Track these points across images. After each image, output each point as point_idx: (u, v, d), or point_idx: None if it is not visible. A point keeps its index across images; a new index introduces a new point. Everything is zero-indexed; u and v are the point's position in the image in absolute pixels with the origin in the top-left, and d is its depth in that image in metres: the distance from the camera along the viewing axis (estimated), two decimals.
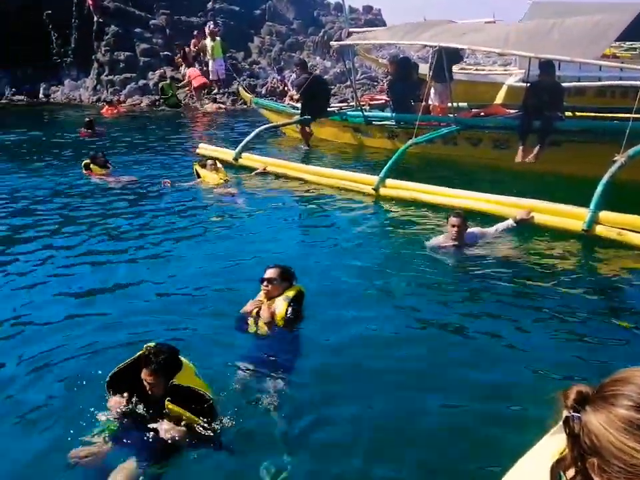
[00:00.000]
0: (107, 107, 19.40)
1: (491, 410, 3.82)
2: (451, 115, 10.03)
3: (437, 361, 4.47)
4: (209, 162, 9.90)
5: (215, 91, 20.71)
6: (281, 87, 21.05)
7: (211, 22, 22.14)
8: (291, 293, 4.65)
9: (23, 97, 22.09)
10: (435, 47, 9.61)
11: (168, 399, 3.54)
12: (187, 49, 21.31)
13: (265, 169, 10.12)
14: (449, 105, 10.27)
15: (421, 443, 3.60)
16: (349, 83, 21.73)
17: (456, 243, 6.30)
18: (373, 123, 11.32)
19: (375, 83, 21.51)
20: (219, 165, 9.95)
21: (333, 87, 21.62)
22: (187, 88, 20.65)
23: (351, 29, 12.37)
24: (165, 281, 6.01)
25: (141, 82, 21.36)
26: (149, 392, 3.60)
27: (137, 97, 20.99)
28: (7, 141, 14.89)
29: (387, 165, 8.83)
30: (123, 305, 5.49)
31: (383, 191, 8.75)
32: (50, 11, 22.15)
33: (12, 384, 4.27)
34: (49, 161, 12.28)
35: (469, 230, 6.47)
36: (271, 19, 25.68)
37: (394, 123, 10.97)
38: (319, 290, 5.44)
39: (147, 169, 11.25)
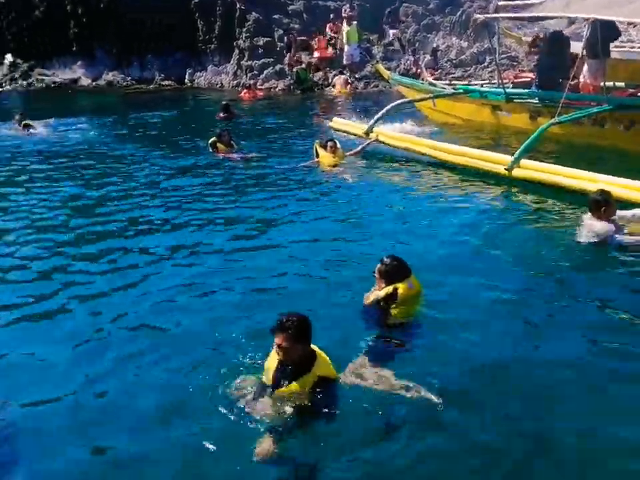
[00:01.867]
0: (245, 91, 20.21)
1: None
2: (603, 94, 9.19)
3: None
4: (330, 143, 10.02)
5: (348, 74, 20.75)
6: (414, 69, 20.66)
7: (347, 5, 22.20)
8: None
9: (170, 82, 23.63)
10: (590, 19, 8.79)
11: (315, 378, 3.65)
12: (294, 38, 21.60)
13: (377, 139, 10.25)
14: (602, 84, 9.41)
15: None
16: (486, 63, 20.94)
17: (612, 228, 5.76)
18: (515, 100, 10.71)
19: (515, 63, 20.38)
20: (338, 146, 9.97)
21: (469, 68, 20.90)
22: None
23: (500, 2, 11.73)
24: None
25: (278, 66, 21.95)
26: (284, 359, 3.69)
27: (273, 81, 21.62)
28: (152, 121, 16.17)
29: (524, 143, 8.34)
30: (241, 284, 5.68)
31: (516, 172, 8.31)
32: (197, 0, 23.41)
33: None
34: (187, 140, 13.09)
35: None
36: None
37: (537, 101, 10.31)
38: (440, 293, 5.17)
39: (272, 148, 11.75)
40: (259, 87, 21.18)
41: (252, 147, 11.88)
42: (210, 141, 11.24)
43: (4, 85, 24.02)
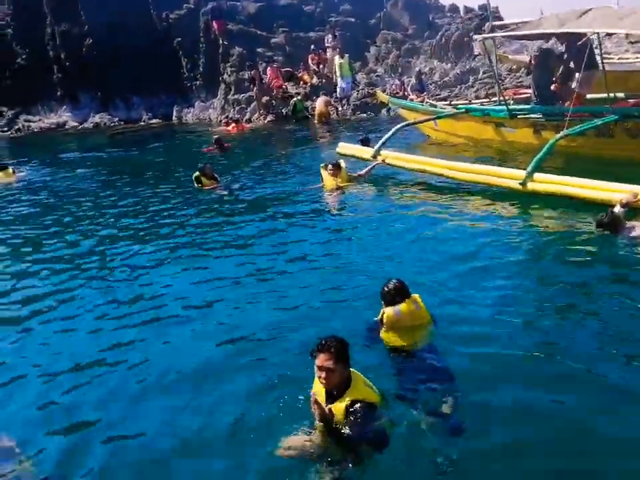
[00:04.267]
0: (232, 125, 20.27)
1: None
2: (608, 105, 9.39)
3: None
4: (329, 166, 10.07)
5: (340, 108, 20.90)
6: (400, 92, 20.93)
7: (329, 35, 22.55)
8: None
9: (158, 120, 23.72)
10: (592, 33, 9.01)
11: (347, 402, 3.56)
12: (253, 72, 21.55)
13: (383, 161, 10.36)
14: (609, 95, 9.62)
15: None
16: (470, 83, 21.32)
17: None
18: (518, 116, 10.89)
19: (499, 82, 20.76)
20: (342, 168, 10.06)
21: (454, 88, 21.24)
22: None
23: (495, 23, 12.00)
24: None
25: (264, 99, 22.11)
26: (326, 384, 3.63)
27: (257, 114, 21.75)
28: (142, 158, 16.29)
29: (536, 157, 8.40)
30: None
31: (531, 186, 8.33)
32: (179, 39, 23.66)
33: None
34: (177, 175, 13.11)
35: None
36: (386, 26, 25.74)
37: (540, 116, 10.49)
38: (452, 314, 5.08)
39: (268, 178, 11.85)
40: (245, 120, 21.30)
41: (244, 178, 11.95)
42: (194, 176, 11.24)
43: None
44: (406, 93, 20.01)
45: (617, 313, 4.97)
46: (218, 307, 5.86)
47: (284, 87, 21.95)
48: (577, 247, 6.44)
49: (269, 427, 3.87)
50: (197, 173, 11.21)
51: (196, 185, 11.20)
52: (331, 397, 3.67)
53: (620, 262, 6.04)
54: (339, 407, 3.59)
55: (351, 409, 3.55)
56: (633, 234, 6.33)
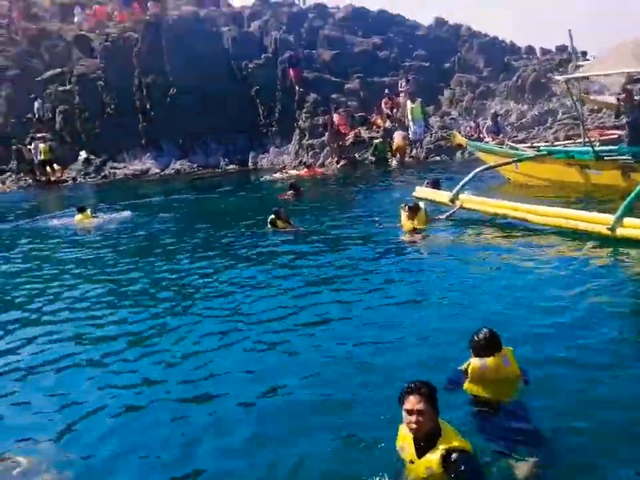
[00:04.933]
0: (305, 169, 20.62)
1: None
2: None
3: None
4: (407, 207, 9.96)
5: (414, 151, 20.87)
6: (475, 135, 20.63)
7: (403, 79, 22.70)
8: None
9: (235, 165, 24.43)
10: None
11: (443, 450, 3.35)
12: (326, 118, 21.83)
13: (462, 206, 10.19)
14: None
15: None
16: (548, 124, 20.76)
17: None
18: (605, 158, 10.40)
19: (578, 122, 20.07)
20: (421, 210, 9.92)
21: (531, 130, 20.73)
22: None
23: (579, 62, 11.68)
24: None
25: (336, 144, 22.37)
26: (417, 429, 3.44)
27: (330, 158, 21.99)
28: (219, 203, 16.70)
29: (627, 201, 7.94)
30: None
31: (620, 231, 7.85)
32: (257, 87, 24.49)
33: None
34: (253, 219, 13.18)
35: None
36: (460, 70, 25.66)
37: (630, 158, 9.96)
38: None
39: (342, 219, 11.95)
40: (318, 165, 21.57)
41: (319, 221, 12.01)
42: (269, 219, 11.33)
43: (78, 178, 25.36)
44: (481, 135, 19.72)
45: None
46: (302, 349, 5.78)
47: (356, 131, 22.17)
48: None
49: None
50: (273, 216, 11.33)
51: (270, 227, 11.31)
52: (420, 449, 3.45)
53: None
54: (432, 459, 3.37)
55: (448, 459, 3.33)
56: None
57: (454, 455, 3.33)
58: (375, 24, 28.03)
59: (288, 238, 10.71)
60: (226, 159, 24.98)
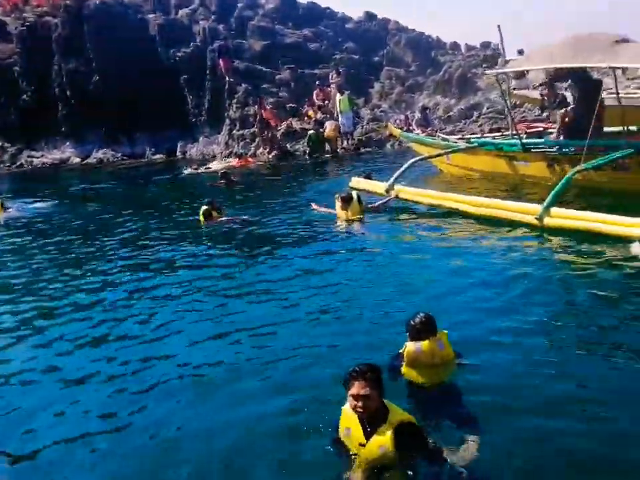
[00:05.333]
0: (237, 159, 20.36)
1: None
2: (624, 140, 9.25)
3: None
4: (341, 197, 10.08)
5: (342, 143, 20.93)
6: (405, 127, 20.95)
7: (334, 71, 22.74)
8: None
9: (162, 155, 23.73)
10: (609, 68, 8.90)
11: (395, 425, 3.38)
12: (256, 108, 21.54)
13: (397, 196, 10.34)
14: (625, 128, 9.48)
15: None
16: (474, 117, 21.40)
17: None
18: (532, 150, 10.77)
19: (502, 116, 20.81)
20: (354, 200, 10.03)
21: (458, 123, 21.29)
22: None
23: (507, 58, 12.02)
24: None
25: (266, 134, 22.15)
26: (363, 413, 3.43)
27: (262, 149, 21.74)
28: (144, 193, 16.23)
29: (553, 192, 8.25)
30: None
31: (547, 221, 8.16)
32: (186, 76, 23.86)
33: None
34: (182, 209, 12.99)
35: None
36: (389, 64, 26.00)
37: (555, 150, 10.36)
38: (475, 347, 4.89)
39: (277, 209, 11.90)
40: (250, 155, 21.31)
41: (253, 210, 11.89)
42: (203, 210, 11.00)
43: None
44: (411, 128, 20.05)
45: None
46: (233, 337, 5.69)
47: (288, 122, 22.04)
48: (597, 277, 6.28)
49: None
50: (206, 207, 11.01)
51: (202, 219, 10.99)
52: (368, 430, 3.43)
53: None
54: (384, 437, 3.36)
55: (399, 434, 3.35)
56: None
57: (405, 429, 3.37)
58: (304, 16, 27.91)
59: (222, 230, 10.49)
60: (152, 149, 24.23)
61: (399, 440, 3.34)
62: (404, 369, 4.44)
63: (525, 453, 3.64)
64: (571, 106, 10.16)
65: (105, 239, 10.51)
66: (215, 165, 20.16)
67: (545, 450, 3.64)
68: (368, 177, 12.19)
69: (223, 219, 10.95)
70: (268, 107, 21.48)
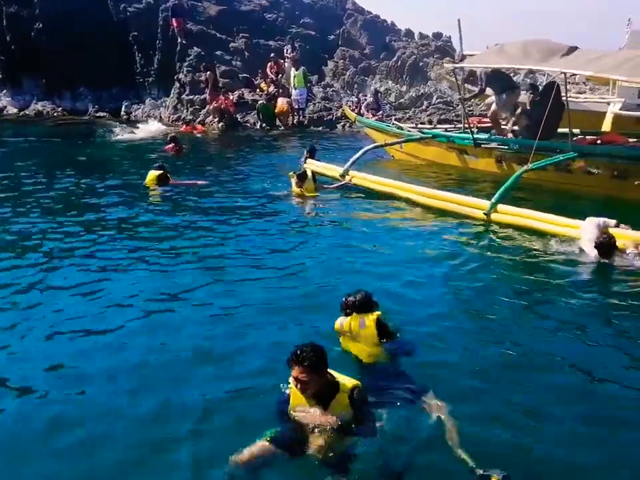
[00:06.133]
0: (184, 126, 19.95)
1: None
2: (569, 143, 9.81)
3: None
4: (296, 175, 10.39)
5: (294, 119, 20.87)
6: (356, 110, 21.17)
7: (289, 45, 22.58)
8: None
9: (105, 113, 22.88)
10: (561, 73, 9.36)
11: (347, 391, 3.70)
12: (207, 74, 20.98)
13: (350, 181, 10.60)
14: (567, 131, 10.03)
15: None
16: (424, 106, 21.87)
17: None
18: (482, 145, 11.23)
19: (450, 108, 21.40)
20: (309, 178, 10.36)
21: (407, 110, 21.71)
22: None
23: (465, 52, 12.32)
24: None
25: (215, 105, 21.76)
26: (302, 392, 3.69)
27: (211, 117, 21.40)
28: (87, 152, 15.64)
29: (501, 189, 8.71)
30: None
31: (494, 217, 8.63)
32: (136, 33, 23.02)
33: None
34: (130, 173, 12.78)
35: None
36: (344, 44, 26.05)
37: (504, 146, 10.86)
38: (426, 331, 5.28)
39: (230, 180, 11.98)
40: (198, 122, 20.92)
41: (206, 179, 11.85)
42: (156, 174, 10.90)
43: None
44: (362, 111, 20.30)
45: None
46: (180, 313, 5.76)
47: (240, 93, 21.74)
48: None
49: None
50: (162, 172, 10.86)
51: (151, 182, 10.83)
52: (323, 400, 3.71)
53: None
54: (340, 401, 3.68)
55: (352, 396, 3.69)
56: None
57: (356, 392, 3.71)
58: None
59: (173, 194, 10.42)
60: (96, 106, 23.31)
61: (353, 401, 3.68)
62: (341, 340, 4.84)
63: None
64: (527, 106, 10.67)
65: (47, 200, 10.19)
66: (152, 126, 19.72)
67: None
68: (311, 151, 12.46)
69: (178, 182, 10.88)
70: (227, 95, 20.95)
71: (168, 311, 5.81)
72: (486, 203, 8.73)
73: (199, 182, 11.13)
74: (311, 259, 7.16)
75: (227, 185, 11.38)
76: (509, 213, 8.57)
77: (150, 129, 19.43)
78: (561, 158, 9.57)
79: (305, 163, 11.75)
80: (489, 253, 7.51)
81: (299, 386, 3.65)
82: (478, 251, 7.56)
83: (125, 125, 19.69)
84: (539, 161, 9.39)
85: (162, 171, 10.82)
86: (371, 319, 4.72)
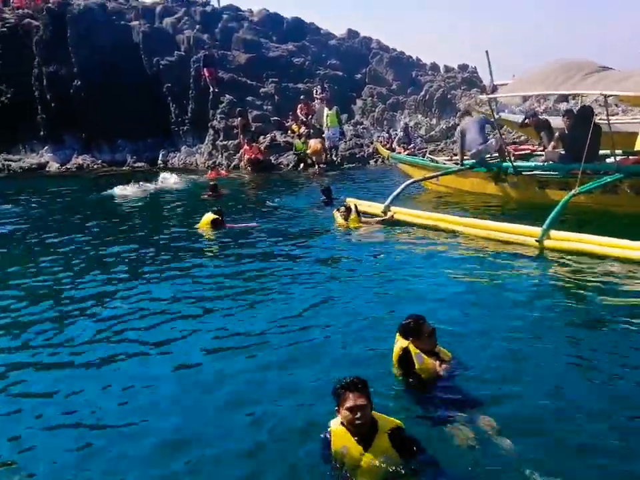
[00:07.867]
0: (210, 171, 20.34)
1: None
2: (613, 162, 9.67)
3: None
4: (342, 208, 10.85)
5: (327, 158, 21.12)
6: (388, 145, 21.34)
7: (318, 86, 23.03)
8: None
9: (143, 163, 23.55)
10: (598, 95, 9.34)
11: (387, 431, 3.54)
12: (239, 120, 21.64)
13: (392, 217, 10.67)
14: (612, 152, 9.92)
15: None
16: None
17: None
18: (522, 173, 11.15)
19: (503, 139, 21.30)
20: (352, 212, 10.64)
21: (439, 142, 21.78)
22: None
23: (496, 82, 12.40)
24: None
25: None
26: (363, 423, 3.53)
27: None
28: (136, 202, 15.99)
29: (551, 215, 8.57)
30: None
31: (547, 243, 8.47)
32: (169, 84, 23.82)
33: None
34: (174, 220, 13.07)
35: None
36: (371, 81, 26.46)
37: (544, 172, 10.77)
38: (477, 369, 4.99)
39: (273, 219, 12.22)
40: (233, 166, 21.34)
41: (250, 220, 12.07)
42: (212, 219, 11.14)
43: None
44: (393, 145, 20.47)
45: None
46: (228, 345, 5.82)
47: (272, 135, 22.15)
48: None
49: None
50: (216, 216, 11.12)
51: (206, 226, 11.10)
52: (363, 441, 3.54)
53: None
54: (382, 443, 3.51)
55: (394, 437, 3.53)
56: None
57: (397, 432, 3.56)
58: (289, 30, 28.21)
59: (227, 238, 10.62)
60: (134, 157, 24.04)
61: (395, 444, 3.52)
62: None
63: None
64: (565, 131, 10.58)
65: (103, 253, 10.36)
66: (171, 179, 19.06)
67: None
68: (324, 191, 12.92)
69: (235, 225, 11.20)
70: (251, 144, 21.35)
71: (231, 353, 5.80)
72: (537, 230, 8.58)
73: (251, 224, 11.37)
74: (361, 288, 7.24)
75: (276, 227, 11.38)
76: (563, 239, 8.40)
77: (169, 182, 19.43)
78: (608, 180, 9.43)
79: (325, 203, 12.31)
80: (549, 281, 7.33)
81: (357, 415, 3.48)
82: (537, 281, 7.34)
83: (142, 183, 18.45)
84: (584, 184, 9.26)
85: (217, 216, 11.08)
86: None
